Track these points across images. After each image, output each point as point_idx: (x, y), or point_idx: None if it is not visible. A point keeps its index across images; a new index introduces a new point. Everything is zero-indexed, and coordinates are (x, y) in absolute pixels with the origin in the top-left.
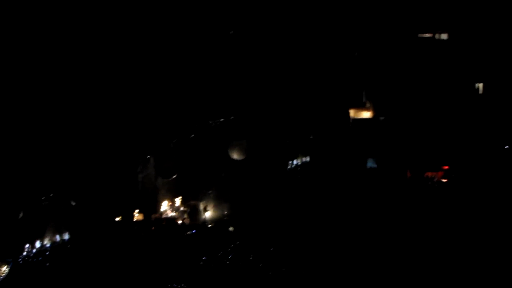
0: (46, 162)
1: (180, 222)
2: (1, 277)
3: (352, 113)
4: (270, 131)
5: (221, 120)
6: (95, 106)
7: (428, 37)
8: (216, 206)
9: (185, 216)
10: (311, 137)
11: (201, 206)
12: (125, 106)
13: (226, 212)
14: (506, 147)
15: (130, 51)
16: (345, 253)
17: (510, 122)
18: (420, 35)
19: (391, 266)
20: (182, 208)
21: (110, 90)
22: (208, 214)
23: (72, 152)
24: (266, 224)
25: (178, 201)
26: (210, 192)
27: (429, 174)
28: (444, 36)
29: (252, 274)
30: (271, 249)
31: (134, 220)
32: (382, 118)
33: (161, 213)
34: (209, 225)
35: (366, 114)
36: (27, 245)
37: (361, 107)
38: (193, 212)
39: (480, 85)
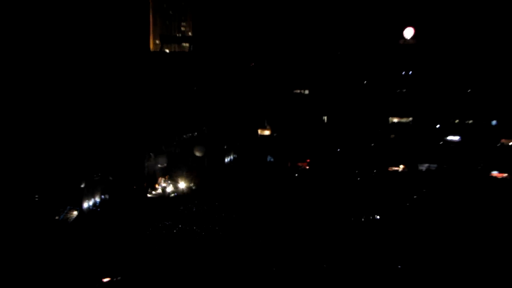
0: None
1: (167, 189)
2: (72, 219)
3: (259, 131)
4: (216, 141)
5: (194, 134)
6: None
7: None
8: (187, 181)
9: (171, 185)
10: (238, 144)
11: (179, 181)
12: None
13: (192, 184)
14: (338, 150)
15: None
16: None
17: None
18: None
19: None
20: (168, 182)
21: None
22: (182, 185)
23: (110, 150)
24: (212, 190)
25: (165, 178)
26: (183, 173)
27: (300, 164)
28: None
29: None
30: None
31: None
32: (275, 134)
33: (158, 184)
34: (184, 191)
35: (267, 132)
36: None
37: (264, 128)
38: (175, 184)
39: (325, 118)
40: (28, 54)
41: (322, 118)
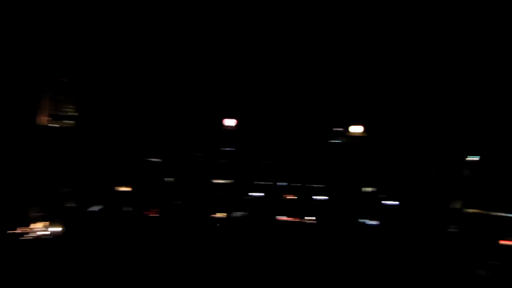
0: None
1: None
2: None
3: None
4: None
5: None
6: None
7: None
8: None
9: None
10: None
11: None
12: None
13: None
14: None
15: None
16: None
17: None
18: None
19: None
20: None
21: None
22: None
23: None
24: None
25: None
26: None
27: (149, 212)
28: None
29: None
30: None
31: None
32: (132, 190)
33: None
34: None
35: (124, 189)
36: None
37: (122, 185)
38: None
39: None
40: None
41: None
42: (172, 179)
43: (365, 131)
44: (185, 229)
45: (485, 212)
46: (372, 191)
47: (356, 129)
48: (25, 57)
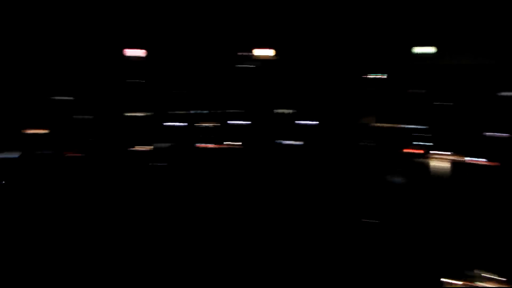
0: None
1: None
2: None
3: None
4: None
5: None
6: None
7: None
8: None
9: None
10: None
11: None
12: None
13: None
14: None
15: None
16: None
17: None
18: None
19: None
20: None
21: None
22: None
23: None
24: None
25: None
26: None
27: (68, 153)
28: None
29: None
30: None
31: None
32: (47, 132)
33: None
34: None
35: (37, 131)
36: None
37: (33, 128)
38: None
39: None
40: None
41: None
42: (88, 117)
43: (276, 54)
44: (109, 163)
45: (392, 125)
46: (289, 113)
47: (267, 52)
48: None
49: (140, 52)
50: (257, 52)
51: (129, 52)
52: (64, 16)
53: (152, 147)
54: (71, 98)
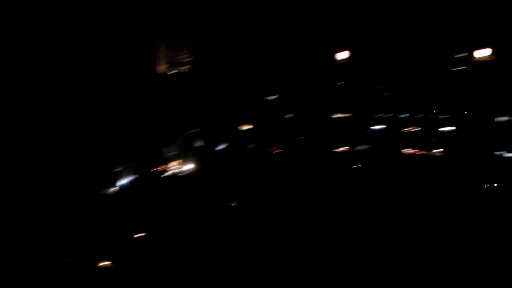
0: None
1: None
2: (111, 193)
3: (242, 127)
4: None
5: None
6: None
7: None
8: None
9: (180, 168)
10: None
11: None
12: None
13: (195, 166)
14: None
15: None
16: None
17: None
18: None
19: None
20: (178, 165)
21: None
22: (188, 167)
23: None
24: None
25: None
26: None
27: (272, 149)
28: None
29: None
30: None
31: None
32: (254, 128)
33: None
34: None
35: (247, 127)
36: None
37: (245, 124)
38: (183, 166)
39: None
40: None
41: (287, 116)
42: (291, 115)
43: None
44: (308, 163)
45: None
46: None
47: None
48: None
49: (346, 55)
50: (476, 53)
51: (339, 56)
52: (282, 23)
53: (351, 148)
54: (276, 96)
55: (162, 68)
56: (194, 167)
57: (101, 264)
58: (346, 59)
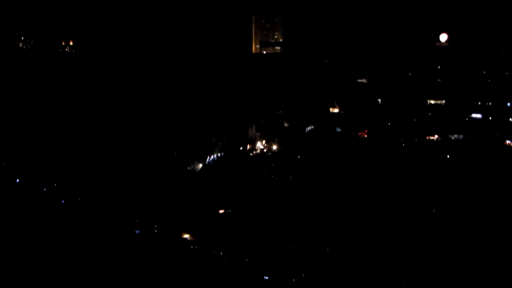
0: None
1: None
2: (198, 169)
3: (331, 109)
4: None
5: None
6: None
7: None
8: (277, 144)
9: (266, 147)
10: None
11: (272, 144)
12: None
13: (280, 147)
14: (388, 123)
15: None
16: None
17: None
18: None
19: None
20: (264, 145)
21: None
22: (274, 147)
23: None
24: None
25: (262, 142)
26: (274, 139)
27: (360, 133)
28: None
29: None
30: None
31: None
32: (342, 112)
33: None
34: (275, 151)
35: (336, 110)
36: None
37: (334, 107)
38: (269, 146)
39: (379, 100)
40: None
41: (377, 100)
42: (379, 100)
43: None
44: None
45: None
46: None
47: None
48: None
49: (445, 38)
50: None
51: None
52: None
53: (446, 137)
54: (366, 80)
55: (256, 48)
56: (282, 147)
57: (184, 236)
58: (445, 42)
